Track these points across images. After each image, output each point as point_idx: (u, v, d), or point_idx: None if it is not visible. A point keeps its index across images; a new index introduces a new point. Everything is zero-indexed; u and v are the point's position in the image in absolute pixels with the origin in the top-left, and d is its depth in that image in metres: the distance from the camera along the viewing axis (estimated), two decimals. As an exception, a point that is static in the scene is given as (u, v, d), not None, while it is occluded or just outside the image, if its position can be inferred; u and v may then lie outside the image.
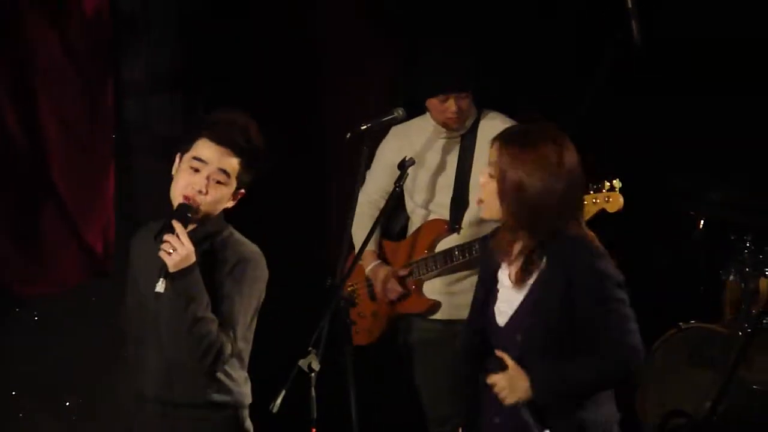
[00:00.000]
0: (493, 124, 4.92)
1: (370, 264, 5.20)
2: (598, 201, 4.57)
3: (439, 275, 5.08)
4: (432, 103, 5.06)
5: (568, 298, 3.56)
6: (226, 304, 3.72)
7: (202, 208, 3.75)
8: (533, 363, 3.59)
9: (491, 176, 3.63)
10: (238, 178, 3.79)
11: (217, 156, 3.75)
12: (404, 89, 5.74)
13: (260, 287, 3.82)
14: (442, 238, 5.09)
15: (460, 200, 5.07)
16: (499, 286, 3.71)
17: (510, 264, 3.68)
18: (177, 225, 3.66)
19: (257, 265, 3.80)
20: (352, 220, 4.81)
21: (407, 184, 4.93)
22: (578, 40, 5.87)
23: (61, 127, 5.37)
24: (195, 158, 3.75)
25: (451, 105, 5.00)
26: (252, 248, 3.83)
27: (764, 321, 5.35)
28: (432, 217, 5.13)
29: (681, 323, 5.63)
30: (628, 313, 3.58)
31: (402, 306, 5.19)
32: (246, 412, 3.87)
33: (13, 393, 5.40)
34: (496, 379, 3.62)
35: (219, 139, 3.75)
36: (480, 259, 3.95)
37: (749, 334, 5.26)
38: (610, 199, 4.57)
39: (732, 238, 5.62)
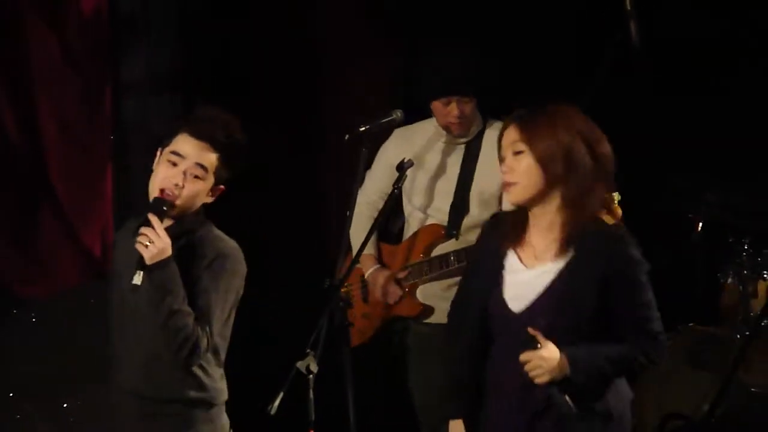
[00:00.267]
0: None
1: (369, 268, 5.19)
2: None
3: (433, 280, 5.08)
4: (435, 105, 5.04)
5: (603, 285, 3.57)
6: (202, 298, 3.71)
7: (178, 202, 3.74)
8: (561, 345, 3.57)
9: (516, 154, 3.61)
10: (215, 173, 3.78)
11: (196, 151, 3.74)
12: (406, 91, 5.75)
13: (238, 283, 3.81)
14: (438, 244, 5.07)
15: (460, 206, 5.05)
16: (505, 273, 3.68)
17: (522, 247, 3.67)
18: (153, 218, 3.67)
19: (235, 260, 3.79)
20: (351, 221, 4.81)
21: (406, 186, 4.91)
22: (578, 41, 5.87)
23: (60, 128, 5.37)
24: (173, 152, 3.75)
25: (453, 109, 4.98)
26: (230, 244, 3.82)
27: (762, 324, 5.34)
28: (430, 221, 5.10)
29: (679, 326, 5.62)
30: (654, 300, 3.67)
31: (394, 309, 5.18)
32: (222, 409, 3.86)
33: (11, 394, 5.41)
34: (530, 356, 3.56)
35: (198, 134, 3.74)
36: (478, 248, 3.93)
37: (748, 337, 5.25)
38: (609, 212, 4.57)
39: (730, 240, 5.61)
